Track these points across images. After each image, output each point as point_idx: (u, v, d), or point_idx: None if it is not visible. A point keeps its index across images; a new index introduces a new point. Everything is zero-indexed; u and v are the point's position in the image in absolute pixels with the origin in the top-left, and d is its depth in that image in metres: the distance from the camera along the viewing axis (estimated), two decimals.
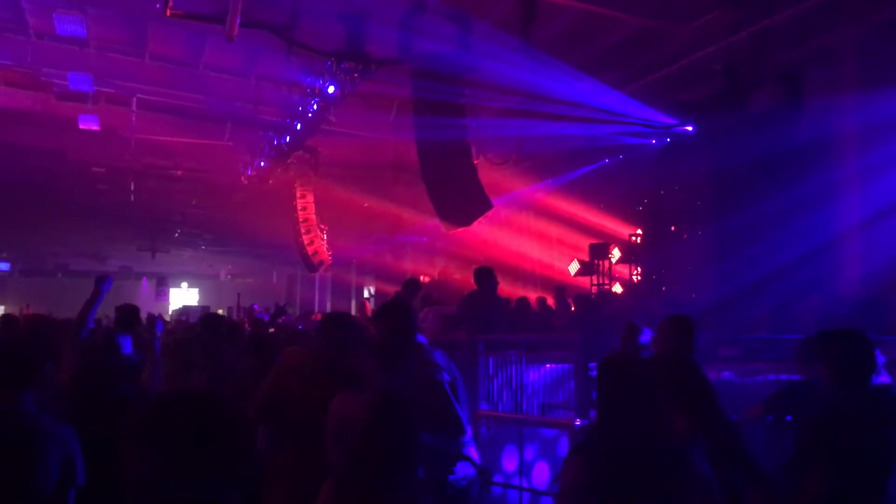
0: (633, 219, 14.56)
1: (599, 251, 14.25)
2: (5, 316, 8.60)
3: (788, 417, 5.15)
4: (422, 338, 4.33)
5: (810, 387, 5.07)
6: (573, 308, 12.05)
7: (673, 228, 13.51)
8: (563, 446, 5.82)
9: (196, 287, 38.76)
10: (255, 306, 19.83)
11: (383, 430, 2.79)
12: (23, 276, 35.10)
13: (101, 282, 5.79)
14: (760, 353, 6.61)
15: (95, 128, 14.73)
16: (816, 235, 9.06)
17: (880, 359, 4.05)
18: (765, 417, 5.17)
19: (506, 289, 9.01)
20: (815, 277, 8.79)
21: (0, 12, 12.18)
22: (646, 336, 5.04)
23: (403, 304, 4.77)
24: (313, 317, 16.80)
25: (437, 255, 21.90)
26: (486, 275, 8.35)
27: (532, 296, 13.35)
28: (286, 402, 4.20)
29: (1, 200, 20.75)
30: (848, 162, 9.57)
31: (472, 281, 8.39)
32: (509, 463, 6.13)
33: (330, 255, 21.69)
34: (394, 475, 2.73)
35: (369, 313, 12.43)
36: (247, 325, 13.70)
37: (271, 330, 14.70)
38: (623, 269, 14.32)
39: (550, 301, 13.05)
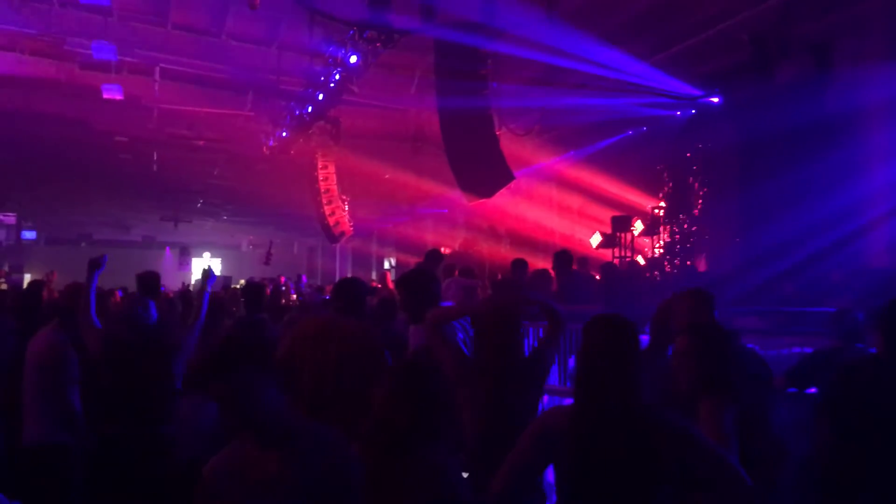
0: (656, 191, 14.44)
1: (622, 224, 14.18)
2: (33, 281, 8.89)
3: (812, 389, 5.10)
4: (447, 305, 4.35)
5: (834, 356, 5.02)
6: (599, 278, 11.99)
7: (697, 201, 13.38)
8: None
9: (218, 257, 39.01)
10: (283, 278, 20.01)
11: (405, 397, 2.70)
12: (48, 245, 35.44)
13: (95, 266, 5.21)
14: (786, 326, 6.56)
15: (119, 97, 14.74)
16: (843, 208, 8.94)
17: None
18: (786, 389, 5.13)
19: (528, 261, 9.06)
20: (842, 250, 8.69)
21: None
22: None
23: (427, 271, 4.79)
24: (328, 288, 16.95)
25: (458, 227, 21.88)
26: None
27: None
28: (296, 368, 4.24)
29: (26, 169, 20.93)
30: (876, 133, 9.42)
31: (495, 252, 8.42)
32: None
33: (351, 226, 21.70)
34: (414, 444, 2.65)
35: (390, 284, 12.48)
36: (268, 291, 13.86)
37: (293, 296, 14.90)
38: (645, 242, 14.23)
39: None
